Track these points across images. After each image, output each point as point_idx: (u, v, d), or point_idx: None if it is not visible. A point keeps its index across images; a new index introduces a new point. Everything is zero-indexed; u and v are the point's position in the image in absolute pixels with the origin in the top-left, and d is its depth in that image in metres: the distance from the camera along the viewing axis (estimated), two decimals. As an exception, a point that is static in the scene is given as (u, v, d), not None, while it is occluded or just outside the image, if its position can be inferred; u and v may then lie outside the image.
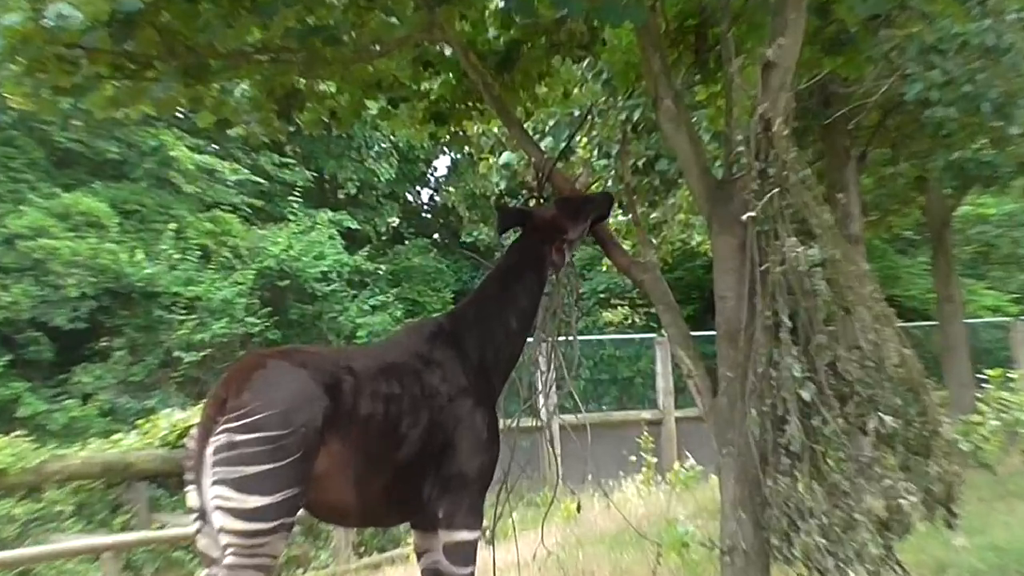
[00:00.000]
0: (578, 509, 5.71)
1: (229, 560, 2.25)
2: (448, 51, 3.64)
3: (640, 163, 5.63)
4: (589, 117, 5.64)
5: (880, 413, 2.54)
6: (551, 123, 5.58)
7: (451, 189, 24.92)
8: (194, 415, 7.76)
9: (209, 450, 2.29)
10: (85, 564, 6.40)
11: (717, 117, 4.33)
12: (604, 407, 13.83)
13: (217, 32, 2.75)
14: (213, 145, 16.35)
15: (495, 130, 6.31)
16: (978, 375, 8.70)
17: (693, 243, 10.03)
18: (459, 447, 2.64)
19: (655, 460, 8.79)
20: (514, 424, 3.40)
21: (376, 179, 20.87)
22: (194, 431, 2.37)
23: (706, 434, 3.00)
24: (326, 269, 17.01)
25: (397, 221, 25.76)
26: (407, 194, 25.06)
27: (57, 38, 2.48)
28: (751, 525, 2.71)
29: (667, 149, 5.34)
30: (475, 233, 23.79)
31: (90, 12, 2.42)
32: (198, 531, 2.34)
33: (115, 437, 8.20)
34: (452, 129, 4.09)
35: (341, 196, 22.77)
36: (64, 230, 12.60)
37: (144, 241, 13.95)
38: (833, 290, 2.62)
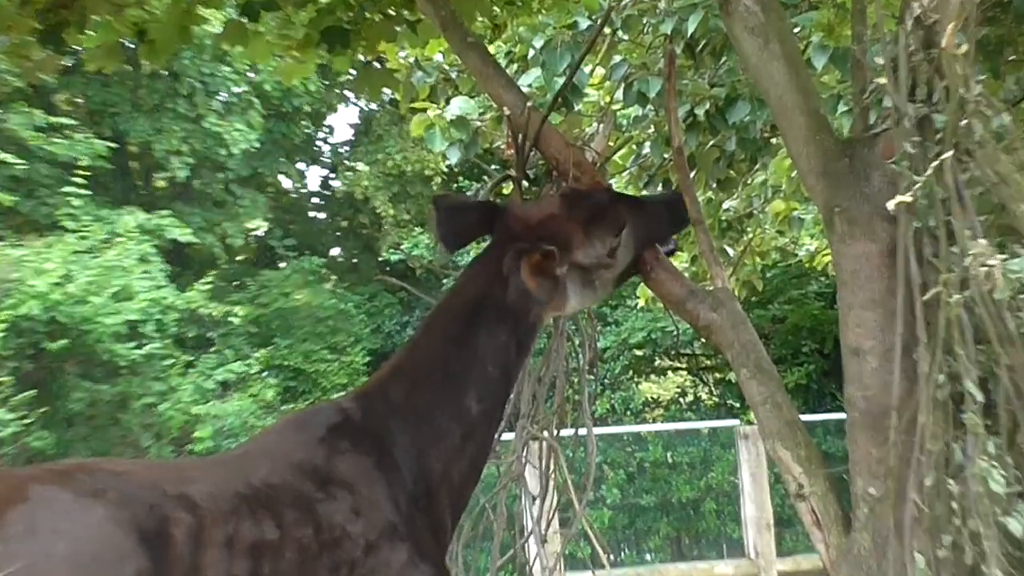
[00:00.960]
0: None
1: None
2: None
3: (701, 111, 5.67)
4: (606, 31, 5.69)
5: None
6: (539, 44, 5.60)
7: (359, 167, 25.17)
8: None
9: None
10: None
11: (838, 26, 4.40)
12: (649, 557, 13.77)
13: None
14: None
15: (437, 58, 6.32)
16: None
17: (799, 254, 10.14)
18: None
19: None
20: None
21: (224, 152, 20.88)
22: None
23: (836, 602, 3.00)
24: (136, 318, 16.77)
25: (264, 227, 25.82)
26: (281, 177, 25.23)
27: None
28: None
29: (748, 84, 5.40)
30: (406, 246, 23.99)
31: None
32: None
33: None
34: (358, 56, 4.09)
35: (161, 184, 22.80)
36: None
37: None
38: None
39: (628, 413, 22.31)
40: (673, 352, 22.86)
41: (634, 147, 6.68)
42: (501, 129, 5.73)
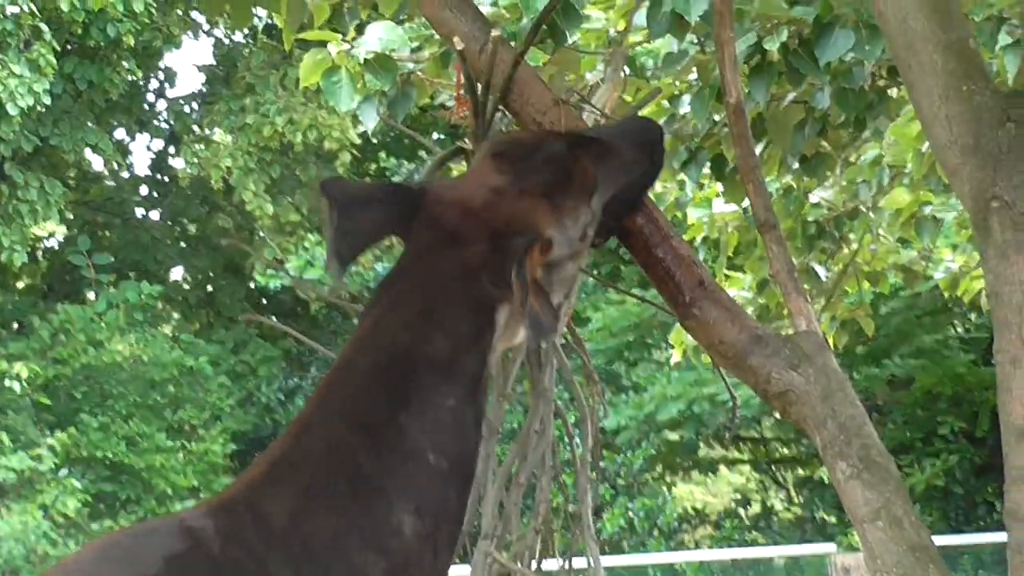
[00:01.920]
0: None
1: None
2: None
3: (774, 45, 5.69)
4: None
5: None
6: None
7: (215, 138, 25.03)
8: None
9: None
10: None
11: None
12: None
13: None
14: None
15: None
16: None
17: (933, 276, 10.14)
18: None
19: None
20: None
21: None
22: None
23: None
24: None
25: (61, 235, 25.66)
26: (88, 153, 25.18)
27: None
28: None
29: (851, 0, 5.41)
30: (294, 265, 23.82)
31: None
32: None
33: None
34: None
35: None
36: None
37: None
38: None
39: (656, 532, 22.35)
40: (728, 436, 23.00)
41: (665, 104, 6.69)
42: (448, 75, 5.74)
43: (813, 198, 7.80)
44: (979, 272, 8.56)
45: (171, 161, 27.60)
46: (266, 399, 25.46)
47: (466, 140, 3.99)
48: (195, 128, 26.25)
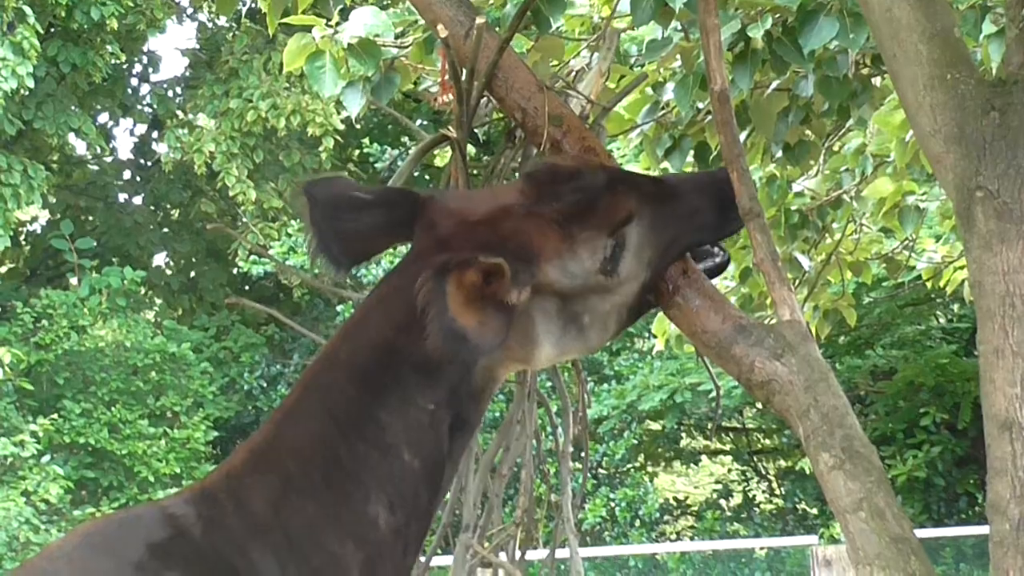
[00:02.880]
0: None
1: None
2: None
3: (758, 32, 5.68)
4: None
5: None
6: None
7: (199, 122, 24.96)
8: None
9: None
10: None
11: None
12: None
13: None
14: None
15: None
16: None
17: (916, 266, 10.13)
18: None
19: None
20: None
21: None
22: None
23: None
24: None
25: (44, 219, 25.59)
26: (71, 137, 25.17)
27: None
28: None
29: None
30: (278, 250, 23.80)
31: None
32: None
33: None
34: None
35: None
36: None
37: None
38: None
39: (637, 523, 22.38)
40: (711, 426, 23.06)
41: (648, 92, 6.69)
42: (433, 61, 5.73)
43: (796, 187, 7.80)
44: (962, 262, 8.55)
45: (154, 146, 27.59)
46: (248, 386, 25.46)
47: (450, 128, 3.97)
48: (178, 112, 26.23)
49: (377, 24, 5.86)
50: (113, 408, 22.96)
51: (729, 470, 25.21)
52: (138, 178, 28.22)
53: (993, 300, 3.03)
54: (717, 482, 24.99)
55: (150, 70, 27.89)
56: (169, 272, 28.13)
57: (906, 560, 3.27)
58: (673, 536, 23.35)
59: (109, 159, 27.80)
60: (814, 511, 21.87)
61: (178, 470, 22.94)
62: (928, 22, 3.16)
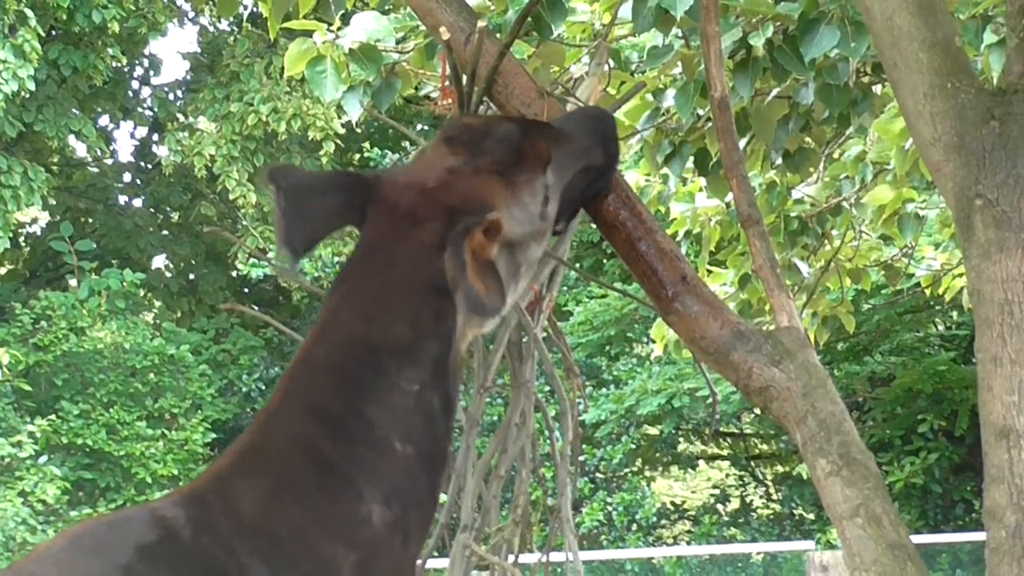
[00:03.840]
0: None
1: None
2: None
3: (759, 40, 5.68)
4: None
5: None
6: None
7: (200, 125, 24.99)
8: None
9: None
10: None
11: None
12: None
13: None
14: None
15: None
16: None
17: (915, 274, 10.12)
18: None
19: None
20: None
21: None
22: None
23: None
24: None
25: (44, 220, 25.55)
26: (72, 140, 25.09)
27: None
28: None
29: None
30: (274, 251, 23.75)
31: None
32: None
33: None
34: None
35: None
36: None
37: None
38: None
39: (634, 527, 22.37)
40: (708, 431, 23.03)
41: (649, 98, 6.69)
42: (434, 66, 5.72)
43: (796, 194, 7.80)
44: (961, 270, 8.55)
45: (155, 148, 27.55)
46: (247, 388, 25.43)
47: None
48: (179, 116, 26.21)
49: (378, 29, 5.87)
50: (111, 409, 22.94)
51: (727, 475, 25.17)
52: (138, 181, 28.20)
53: (991, 308, 3.03)
54: (714, 487, 24.94)
55: (151, 73, 27.91)
56: (168, 274, 28.09)
57: (902, 566, 3.27)
58: (670, 540, 23.32)
59: (109, 162, 27.79)
60: (811, 516, 21.84)
61: (176, 472, 22.92)
62: (929, 31, 3.16)
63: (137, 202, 28.26)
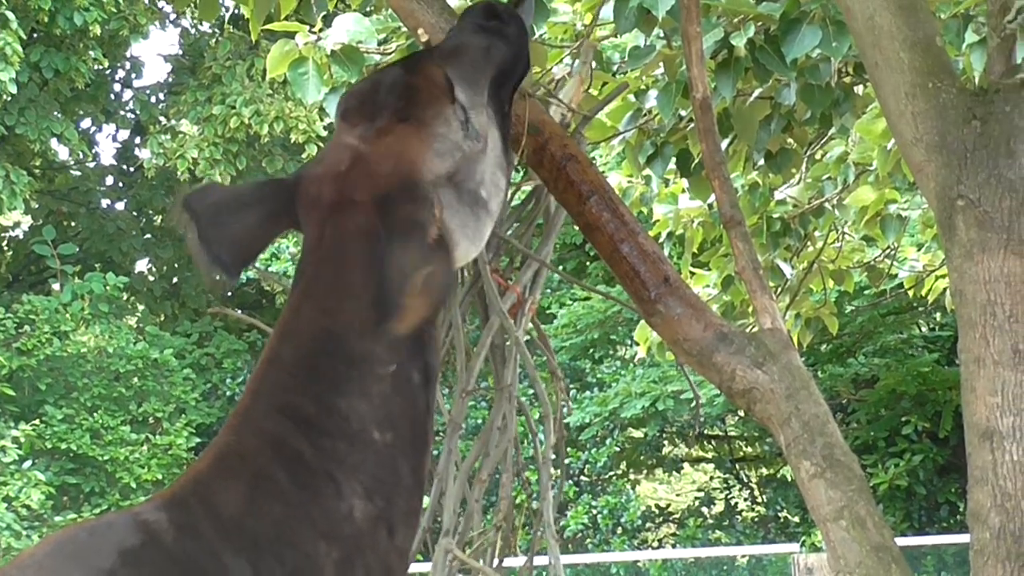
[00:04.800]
0: None
1: None
2: None
3: (741, 41, 5.68)
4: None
5: None
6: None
7: (182, 128, 24.96)
8: None
9: None
10: None
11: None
12: None
13: None
14: None
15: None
16: None
17: (898, 275, 10.12)
18: None
19: None
20: None
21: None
22: None
23: None
24: None
25: (26, 224, 25.52)
26: (53, 143, 25.07)
27: None
28: None
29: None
30: (261, 258, 23.69)
31: None
32: None
33: None
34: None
35: None
36: None
37: None
38: None
39: (619, 530, 22.37)
40: (692, 434, 23.03)
41: (631, 99, 6.68)
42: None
43: (778, 195, 7.80)
44: (944, 271, 8.56)
45: (137, 151, 27.49)
46: (231, 392, 25.40)
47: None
48: (161, 118, 26.17)
49: (360, 31, 5.86)
50: (95, 414, 22.90)
51: (711, 478, 25.18)
52: (121, 184, 28.13)
53: (974, 309, 3.03)
54: (699, 490, 24.96)
55: (133, 76, 27.81)
56: (152, 278, 28.02)
57: (887, 569, 3.27)
58: (655, 544, 23.33)
59: (92, 165, 27.72)
60: (796, 519, 21.85)
61: (160, 476, 22.88)
62: (910, 30, 3.16)
63: (120, 205, 28.20)
